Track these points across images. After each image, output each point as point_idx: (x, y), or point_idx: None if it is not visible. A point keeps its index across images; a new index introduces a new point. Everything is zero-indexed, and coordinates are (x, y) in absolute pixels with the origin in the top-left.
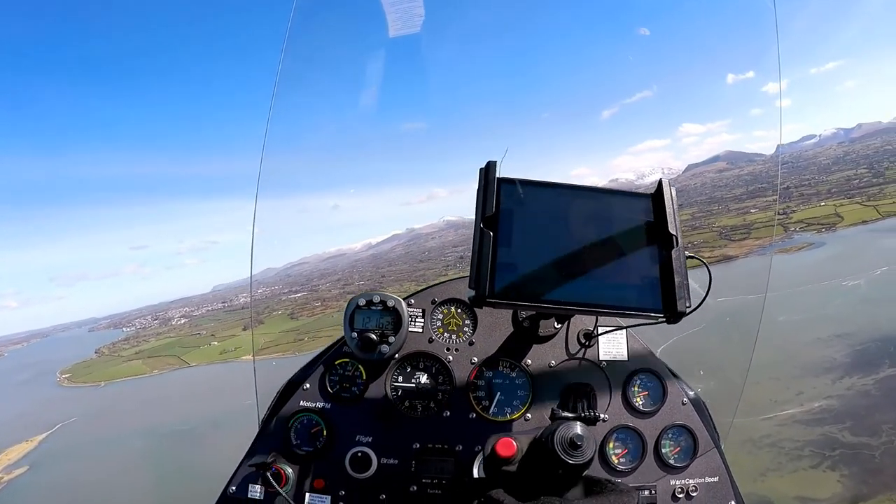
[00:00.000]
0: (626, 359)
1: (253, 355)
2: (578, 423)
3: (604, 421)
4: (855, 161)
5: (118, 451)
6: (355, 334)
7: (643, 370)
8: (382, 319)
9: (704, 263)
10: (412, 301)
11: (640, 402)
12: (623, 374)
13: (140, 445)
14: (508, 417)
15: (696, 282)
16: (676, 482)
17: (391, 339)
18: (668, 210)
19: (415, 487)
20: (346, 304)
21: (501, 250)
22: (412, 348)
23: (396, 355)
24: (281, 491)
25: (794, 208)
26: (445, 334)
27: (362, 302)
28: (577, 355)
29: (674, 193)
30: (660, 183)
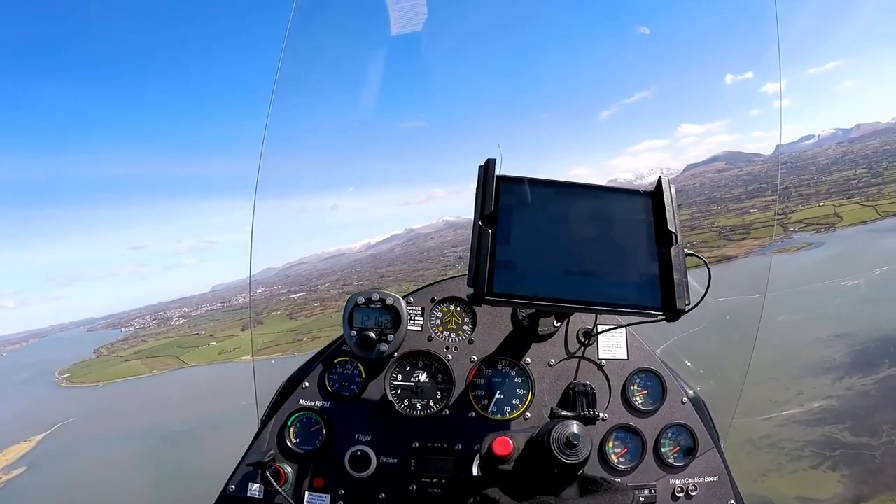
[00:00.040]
0: (626, 358)
1: (252, 354)
2: (575, 422)
3: (603, 420)
4: (854, 161)
5: (117, 451)
6: (354, 332)
7: (643, 369)
8: (381, 318)
9: (704, 261)
10: (411, 299)
11: (640, 402)
12: (623, 373)
13: (138, 446)
14: (508, 416)
15: (695, 280)
16: (676, 481)
17: (390, 337)
18: (667, 208)
19: (414, 486)
20: (345, 303)
21: (500, 248)
22: (411, 347)
23: (396, 354)
24: (280, 490)
25: (793, 208)
26: (445, 333)
27: (361, 300)
28: (577, 354)
29: (673, 191)
30: (659, 181)
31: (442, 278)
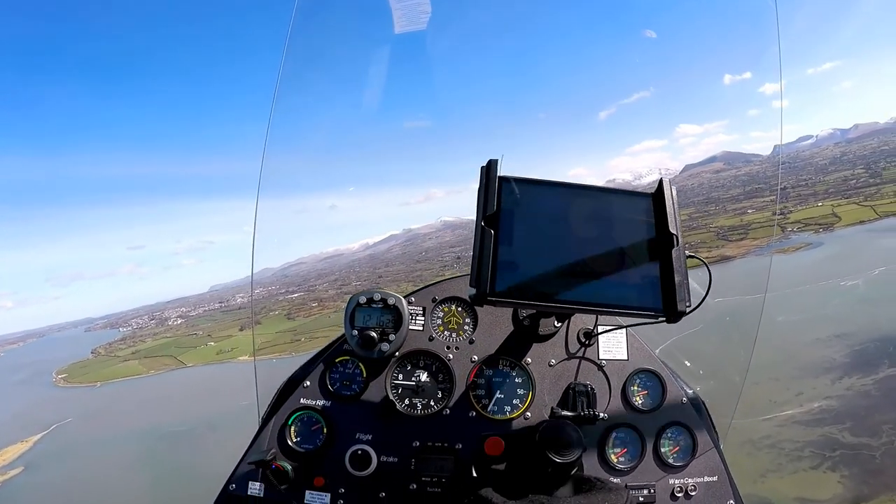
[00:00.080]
0: (626, 358)
1: (254, 353)
2: (568, 422)
3: (603, 420)
4: (852, 161)
5: (114, 452)
6: (356, 332)
7: (643, 369)
8: (383, 317)
9: (704, 263)
10: (413, 299)
11: (640, 402)
12: (623, 374)
13: (136, 446)
14: (508, 416)
15: (695, 282)
16: (675, 481)
17: (391, 336)
18: (668, 209)
19: (414, 486)
20: (344, 304)
21: (502, 249)
22: (412, 346)
23: (397, 353)
24: (281, 488)
25: (792, 208)
26: (446, 332)
27: (363, 300)
28: (577, 354)
29: (674, 193)
30: (660, 182)
31: (442, 278)
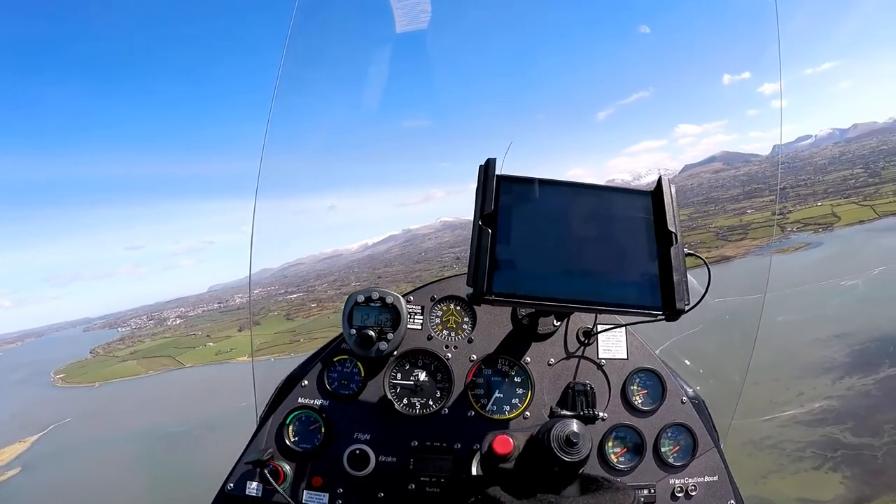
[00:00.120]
0: (626, 357)
1: (252, 353)
2: (575, 420)
3: (603, 419)
4: (851, 161)
5: (112, 452)
6: (354, 331)
7: (642, 369)
8: (381, 316)
9: (704, 261)
10: (411, 298)
11: (640, 401)
12: (622, 373)
13: (134, 447)
14: (507, 415)
15: (695, 280)
16: (676, 481)
17: (390, 335)
18: (667, 207)
19: (413, 486)
20: (342, 304)
21: (500, 247)
22: (411, 345)
23: (395, 352)
24: (278, 488)
25: (791, 208)
26: (444, 331)
27: (361, 298)
28: (577, 353)
29: (673, 191)
30: (659, 180)
31: (442, 277)
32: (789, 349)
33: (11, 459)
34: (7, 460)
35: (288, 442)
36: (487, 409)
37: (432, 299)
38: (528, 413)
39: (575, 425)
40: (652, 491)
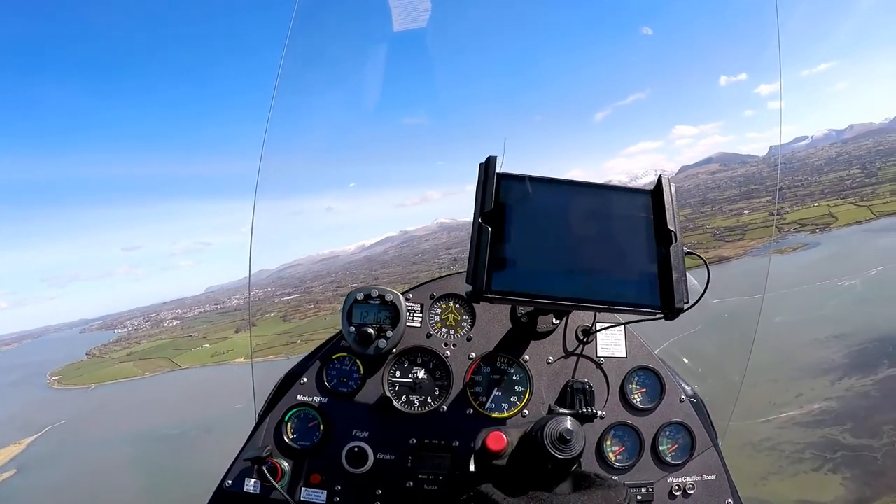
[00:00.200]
0: (625, 356)
1: (251, 352)
2: (569, 418)
3: (601, 418)
4: (847, 161)
5: (108, 454)
6: (353, 328)
7: (641, 367)
8: (380, 314)
9: (703, 260)
10: (410, 296)
11: (638, 400)
12: (621, 371)
13: (130, 449)
14: (506, 413)
15: (694, 279)
16: (674, 480)
17: (389, 333)
18: (667, 206)
19: (411, 483)
20: (341, 304)
21: (500, 245)
22: (410, 343)
23: (394, 350)
24: (276, 486)
25: (788, 209)
26: (443, 329)
27: (360, 296)
28: (576, 352)
29: (673, 190)
30: (659, 179)
31: (441, 275)
32: (787, 350)
33: (7, 461)
34: (2, 462)
35: (286, 439)
36: (486, 406)
37: (431, 297)
38: (526, 411)
39: (569, 422)
40: (650, 489)
